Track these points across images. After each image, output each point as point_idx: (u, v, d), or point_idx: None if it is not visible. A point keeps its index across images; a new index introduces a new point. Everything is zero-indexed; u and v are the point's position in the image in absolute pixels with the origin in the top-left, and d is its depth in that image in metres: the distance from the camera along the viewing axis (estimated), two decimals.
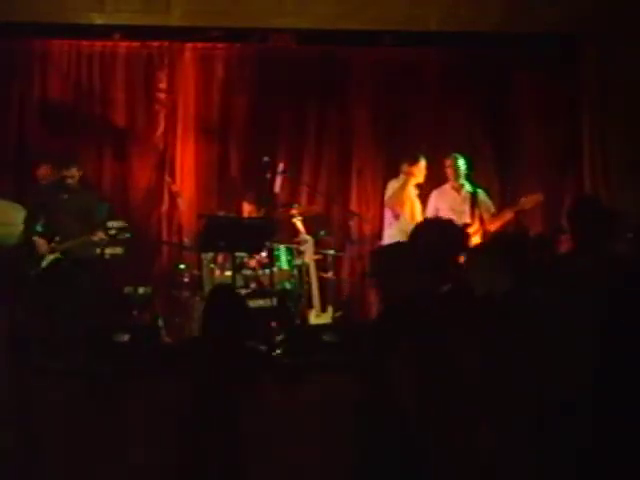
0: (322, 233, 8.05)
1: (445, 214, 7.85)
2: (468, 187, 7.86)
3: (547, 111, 8.92)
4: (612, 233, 4.26)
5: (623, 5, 8.31)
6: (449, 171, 7.89)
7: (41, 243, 7.32)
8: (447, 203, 7.87)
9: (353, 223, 8.61)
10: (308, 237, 7.93)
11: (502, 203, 8.42)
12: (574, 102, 8.86)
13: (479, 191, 7.88)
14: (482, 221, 7.68)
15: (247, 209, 7.99)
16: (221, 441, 4.37)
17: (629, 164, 8.41)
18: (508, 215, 7.70)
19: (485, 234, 7.57)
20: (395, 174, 7.99)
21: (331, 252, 8.08)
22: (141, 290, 7.80)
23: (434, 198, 7.97)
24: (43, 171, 7.92)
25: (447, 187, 7.95)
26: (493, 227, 7.60)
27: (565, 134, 8.89)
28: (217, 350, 4.45)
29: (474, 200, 7.75)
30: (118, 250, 7.57)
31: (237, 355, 4.49)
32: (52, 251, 7.34)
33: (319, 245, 8.02)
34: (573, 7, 8.33)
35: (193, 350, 4.69)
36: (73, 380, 5.63)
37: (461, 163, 7.85)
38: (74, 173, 7.57)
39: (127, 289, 7.78)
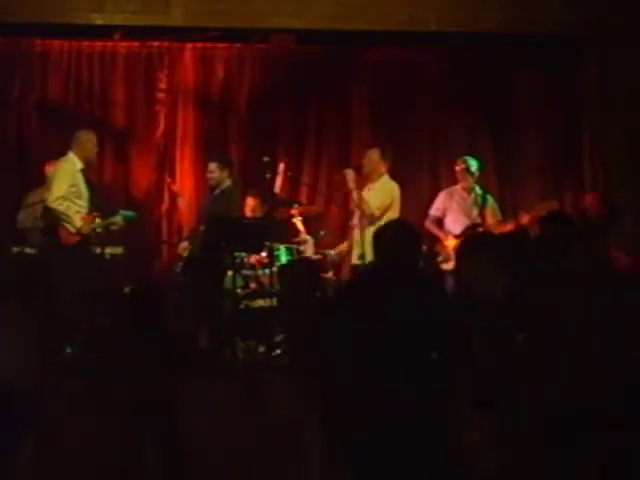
0: (322, 233, 8.05)
1: (453, 214, 7.88)
2: (478, 190, 7.86)
3: (547, 111, 8.92)
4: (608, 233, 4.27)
5: (623, 6, 8.30)
6: (460, 174, 7.87)
7: None
8: (456, 202, 7.88)
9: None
10: (308, 237, 7.94)
11: (502, 202, 8.41)
12: (574, 102, 8.85)
13: (488, 196, 7.89)
14: (486, 224, 7.67)
15: (251, 203, 7.97)
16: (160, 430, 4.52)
17: (629, 164, 8.41)
18: (524, 218, 7.56)
19: None
20: (395, 174, 7.95)
21: (331, 252, 8.07)
22: None
23: (442, 198, 7.97)
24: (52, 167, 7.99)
25: (457, 187, 7.96)
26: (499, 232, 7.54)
27: (565, 134, 8.89)
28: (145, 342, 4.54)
29: (483, 203, 7.75)
30: (118, 250, 7.57)
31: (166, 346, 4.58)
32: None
33: (319, 245, 8.03)
34: (573, 8, 8.32)
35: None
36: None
37: (472, 165, 7.84)
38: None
39: (127, 289, 7.77)
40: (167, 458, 4.54)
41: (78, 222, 7.16)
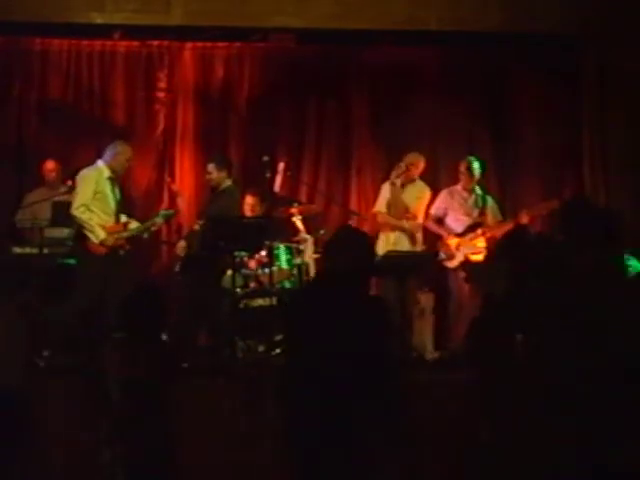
0: (321, 232, 8.05)
1: (454, 213, 7.88)
2: (478, 191, 7.86)
3: (547, 111, 8.92)
4: (610, 232, 4.26)
5: (623, 6, 8.31)
6: (463, 176, 7.87)
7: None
8: (457, 202, 7.88)
9: (353, 222, 8.60)
10: (308, 236, 7.93)
11: (502, 203, 8.41)
12: (574, 102, 8.86)
13: (488, 198, 7.89)
14: (486, 224, 7.68)
15: (249, 202, 7.95)
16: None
17: (629, 164, 8.41)
18: (524, 218, 7.56)
19: (488, 240, 7.56)
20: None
21: None
22: None
23: (443, 197, 7.97)
24: (50, 165, 8.06)
25: (458, 187, 7.96)
26: (499, 232, 7.52)
27: (565, 134, 8.89)
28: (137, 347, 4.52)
29: (483, 204, 7.77)
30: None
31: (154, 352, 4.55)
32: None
33: (319, 244, 8.02)
34: (573, 8, 8.33)
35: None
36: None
37: (476, 166, 7.84)
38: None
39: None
40: (162, 460, 4.51)
41: (101, 234, 7.07)
